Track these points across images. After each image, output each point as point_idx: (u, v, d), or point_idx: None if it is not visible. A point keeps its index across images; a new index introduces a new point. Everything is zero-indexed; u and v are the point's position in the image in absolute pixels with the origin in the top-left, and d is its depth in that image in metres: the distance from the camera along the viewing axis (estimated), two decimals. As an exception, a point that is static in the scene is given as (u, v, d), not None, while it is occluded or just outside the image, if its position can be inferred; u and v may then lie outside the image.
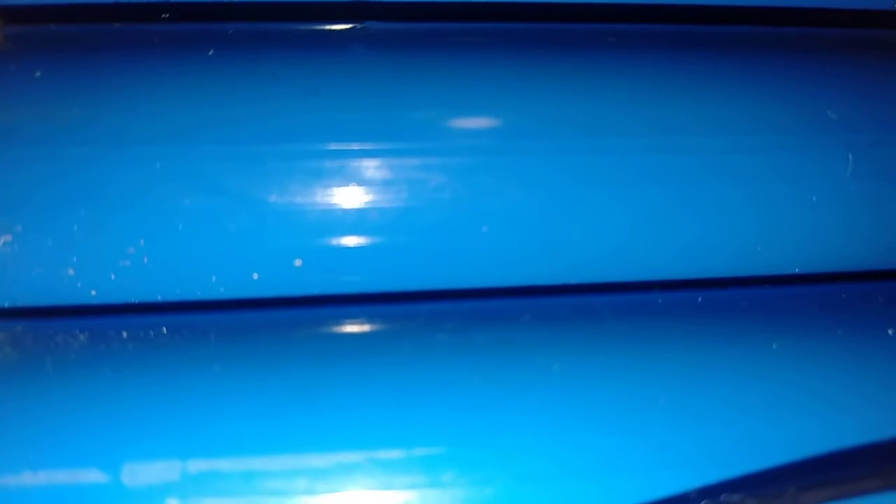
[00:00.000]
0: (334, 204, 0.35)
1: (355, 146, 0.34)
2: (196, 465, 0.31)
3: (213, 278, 0.35)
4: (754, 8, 0.41)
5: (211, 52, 0.35)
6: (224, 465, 0.31)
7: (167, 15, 0.38)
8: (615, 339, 0.35)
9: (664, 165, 0.36)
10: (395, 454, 0.31)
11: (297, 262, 0.35)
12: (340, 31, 0.37)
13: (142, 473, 0.30)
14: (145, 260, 0.34)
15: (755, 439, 0.33)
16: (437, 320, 0.35)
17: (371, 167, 0.34)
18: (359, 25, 0.37)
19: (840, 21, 0.41)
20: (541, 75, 0.36)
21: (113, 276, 0.34)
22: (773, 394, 0.33)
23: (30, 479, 0.30)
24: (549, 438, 0.32)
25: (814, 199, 0.37)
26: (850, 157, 0.37)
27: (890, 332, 0.35)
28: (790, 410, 0.33)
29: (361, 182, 0.34)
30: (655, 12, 0.40)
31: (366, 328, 0.35)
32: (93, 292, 0.35)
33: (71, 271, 0.34)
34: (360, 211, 0.35)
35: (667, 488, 0.31)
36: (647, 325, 0.35)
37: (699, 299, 0.37)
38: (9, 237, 0.33)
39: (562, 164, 0.35)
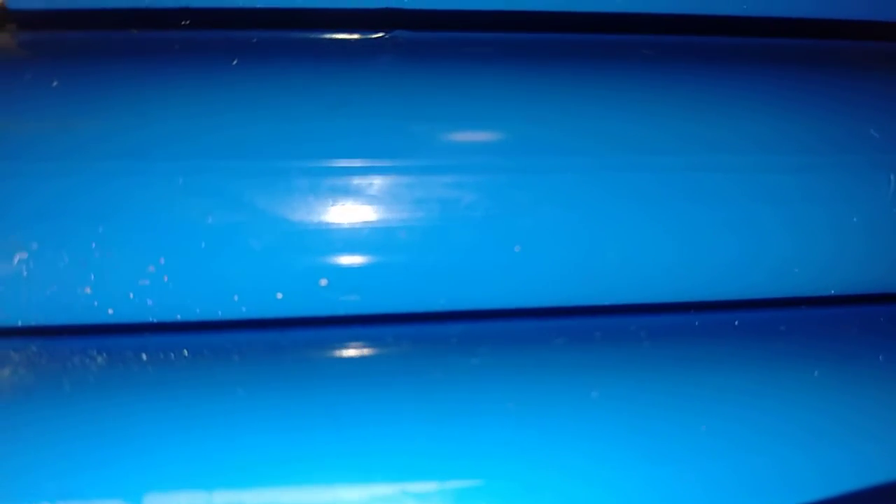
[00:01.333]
0: (362, 221, 0.33)
1: (385, 162, 0.33)
2: (219, 495, 0.30)
3: (236, 298, 0.34)
4: (797, 20, 0.40)
5: (235, 62, 0.34)
6: (249, 494, 0.30)
7: (188, 22, 0.37)
8: (652, 364, 0.34)
9: (702, 184, 0.35)
10: (426, 484, 0.30)
11: (323, 282, 0.34)
12: (368, 40, 0.36)
13: (162, 501, 0.29)
14: (165, 279, 0.33)
15: (798, 471, 0.32)
16: (469, 343, 0.34)
17: (401, 184, 0.33)
18: (387, 34, 0.36)
19: (886, 35, 0.40)
20: (578, 89, 0.34)
21: (131, 296, 0.33)
22: (815, 424, 0.32)
23: (46, 509, 0.29)
24: (586, 468, 0.31)
25: (854, 220, 0.36)
26: (892, 177, 0.36)
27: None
28: (831, 442, 0.32)
29: (390, 199, 0.33)
30: (694, 23, 0.39)
31: (395, 350, 0.34)
32: (110, 311, 0.33)
33: (88, 290, 0.33)
34: (388, 229, 0.33)
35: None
36: (685, 349, 0.34)
37: (736, 322, 0.36)
38: (24, 254, 0.32)
39: (597, 182, 0.34)
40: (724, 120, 0.35)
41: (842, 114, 0.36)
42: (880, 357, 0.34)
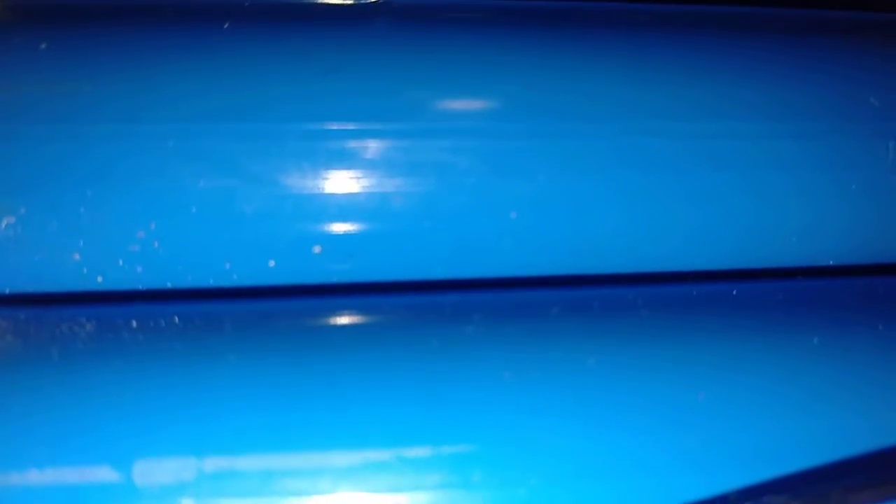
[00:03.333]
0: (356, 188, 0.33)
1: (379, 126, 0.33)
2: (210, 462, 0.29)
3: (228, 265, 0.33)
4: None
5: (226, 26, 0.33)
6: (240, 461, 0.29)
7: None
8: (650, 333, 0.33)
9: (699, 151, 0.35)
10: (419, 452, 0.30)
11: (317, 249, 0.33)
12: (363, 4, 0.35)
13: (153, 471, 0.29)
14: (156, 245, 0.32)
15: (798, 437, 0.31)
16: (464, 311, 0.33)
17: (396, 149, 0.33)
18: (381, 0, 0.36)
19: (885, 5, 0.40)
20: (576, 55, 0.34)
21: (121, 262, 0.33)
22: (815, 390, 0.32)
23: (34, 477, 0.28)
24: (582, 438, 0.30)
25: (853, 188, 0.36)
26: (891, 144, 0.36)
27: (934, 326, 0.34)
28: (833, 407, 0.32)
29: (385, 165, 0.33)
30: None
31: (389, 319, 0.33)
32: (99, 279, 0.33)
33: (77, 256, 0.32)
34: (383, 195, 0.33)
35: (707, 489, 0.30)
36: (683, 319, 0.34)
37: (734, 291, 0.36)
38: (11, 219, 0.32)
39: (595, 149, 0.34)
40: (725, 88, 0.35)
41: (841, 82, 0.36)
42: (879, 326, 0.34)
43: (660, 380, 0.32)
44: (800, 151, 0.35)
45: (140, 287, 0.33)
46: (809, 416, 0.32)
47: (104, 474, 0.28)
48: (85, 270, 0.33)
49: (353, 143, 0.32)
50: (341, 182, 0.33)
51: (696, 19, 0.37)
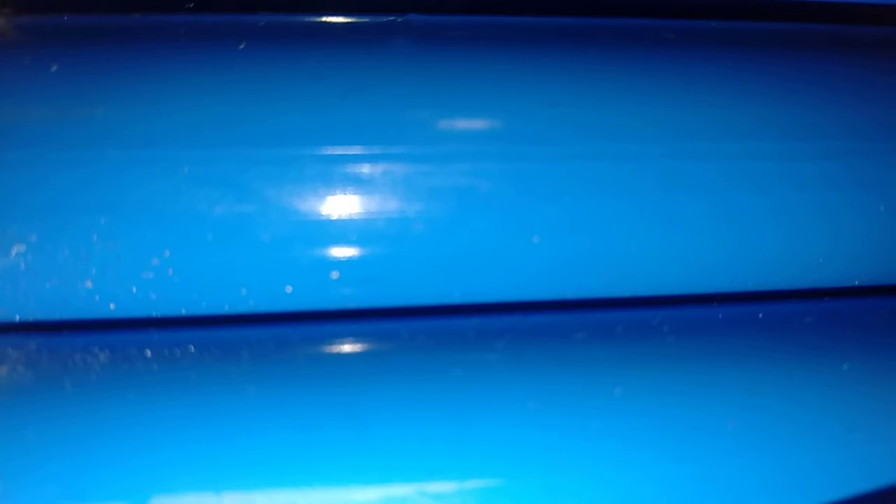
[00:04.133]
0: (375, 212, 0.32)
1: (399, 149, 0.32)
2: (228, 496, 0.28)
3: (244, 291, 0.33)
4: (818, 4, 0.39)
5: (242, 46, 0.33)
6: (257, 495, 0.28)
7: (192, 4, 0.36)
8: (676, 358, 0.32)
9: (727, 171, 0.34)
10: (442, 486, 0.29)
11: (335, 275, 0.33)
12: (380, 23, 0.35)
13: (169, 504, 0.28)
14: (170, 272, 0.32)
15: (826, 466, 0.31)
16: (487, 337, 0.32)
17: (416, 173, 0.32)
18: (399, 18, 0.35)
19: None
20: (600, 75, 0.33)
21: (135, 290, 0.32)
22: (846, 418, 0.31)
23: (49, 512, 0.27)
24: (610, 467, 0.30)
25: (881, 208, 0.35)
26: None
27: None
28: (862, 434, 0.31)
29: (405, 188, 0.32)
30: (719, 7, 0.38)
31: (410, 345, 0.32)
32: (112, 306, 0.32)
33: (89, 284, 0.32)
34: (402, 219, 0.32)
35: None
36: (709, 343, 0.33)
37: (760, 314, 0.35)
38: (22, 247, 0.31)
39: (620, 171, 0.33)
40: (749, 107, 0.34)
41: (866, 101, 0.35)
42: (910, 349, 0.33)
43: (686, 405, 0.31)
44: (825, 171, 0.34)
45: (154, 314, 0.32)
46: (837, 444, 0.31)
47: (119, 509, 0.28)
48: (97, 298, 0.32)
49: (371, 167, 0.32)
50: (360, 206, 0.32)
51: (718, 37, 0.36)
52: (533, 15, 0.36)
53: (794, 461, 0.30)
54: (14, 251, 0.31)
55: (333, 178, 0.32)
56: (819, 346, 0.33)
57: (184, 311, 0.33)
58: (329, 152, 0.32)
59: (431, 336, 0.33)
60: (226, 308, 0.33)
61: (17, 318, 0.32)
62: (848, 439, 0.31)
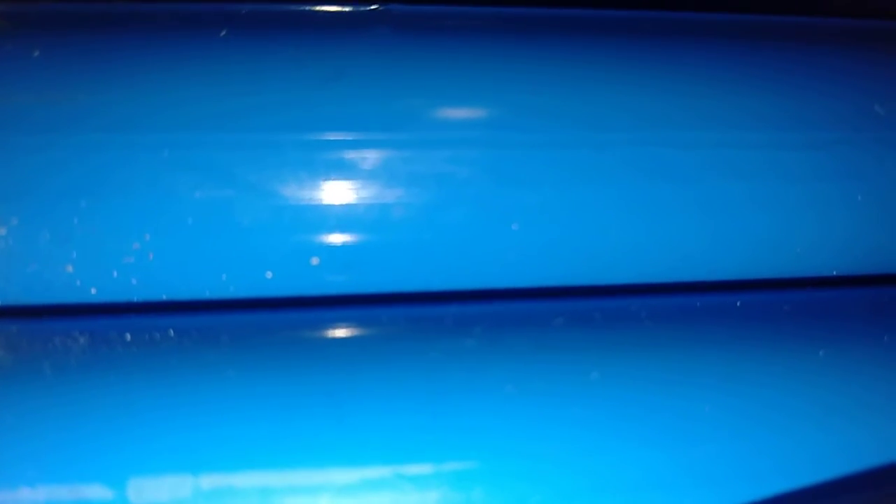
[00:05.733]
0: (355, 198, 0.32)
1: (379, 136, 0.32)
2: (207, 479, 0.28)
3: (224, 277, 0.33)
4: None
5: (223, 34, 0.33)
6: (237, 477, 0.29)
7: (175, -8, 0.36)
8: (653, 345, 0.33)
9: (708, 160, 0.34)
10: (420, 468, 0.29)
11: (315, 260, 0.33)
12: (361, 12, 0.35)
13: (148, 488, 0.28)
14: (151, 256, 0.32)
15: (803, 450, 0.31)
16: (466, 323, 0.32)
17: (395, 159, 0.32)
18: (381, 7, 0.35)
19: (890, 13, 0.39)
20: (577, 64, 0.33)
21: (115, 274, 0.32)
22: (820, 401, 0.32)
23: (26, 495, 0.27)
24: (587, 451, 0.30)
25: (859, 198, 0.35)
26: (899, 154, 0.35)
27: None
28: (839, 419, 0.31)
29: (385, 175, 0.32)
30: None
31: (389, 331, 0.33)
32: (93, 291, 0.32)
33: (70, 268, 0.32)
34: (383, 206, 0.32)
35: (714, 502, 0.29)
36: (687, 330, 0.33)
37: (738, 302, 0.35)
38: (3, 230, 0.31)
39: (599, 158, 0.33)
40: (729, 97, 0.35)
41: (847, 91, 0.36)
42: (885, 337, 0.34)
43: (664, 392, 0.31)
44: (805, 161, 0.35)
45: (135, 299, 0.33)
46: (814, 428, 0.31)
47: (98, 492, 0.28)
48: (78, 282, 0.32)
49: (352, 153, 0.32)
50: (340, 192, 0.32)
51: (700, 27, 0.37)
52: (514, 5, 0.36)
53: (772, 445, 0.30)
54: (-6, 235, 0.31)
55: (314, 164, 0.32)
56: (796, 334, 0.34)
57: (164, 296, 0.33)
58: (310, 138, 0.32)
59: (411, 321, 0.33)
60: (206, 293, 0.33)
61: (-1, 302, 0.32)
62: (826, 423, 0.31)
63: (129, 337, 0.31)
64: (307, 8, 0.35)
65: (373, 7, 0.35)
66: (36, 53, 0.32)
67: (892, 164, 0.35)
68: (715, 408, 0.31)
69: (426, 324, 0.33)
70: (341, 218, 0.32)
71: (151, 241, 0.32)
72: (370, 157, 0.32)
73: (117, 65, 0.32)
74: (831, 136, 0.35)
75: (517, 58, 0.33)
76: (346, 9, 0.35)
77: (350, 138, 0.32)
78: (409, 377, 0.31)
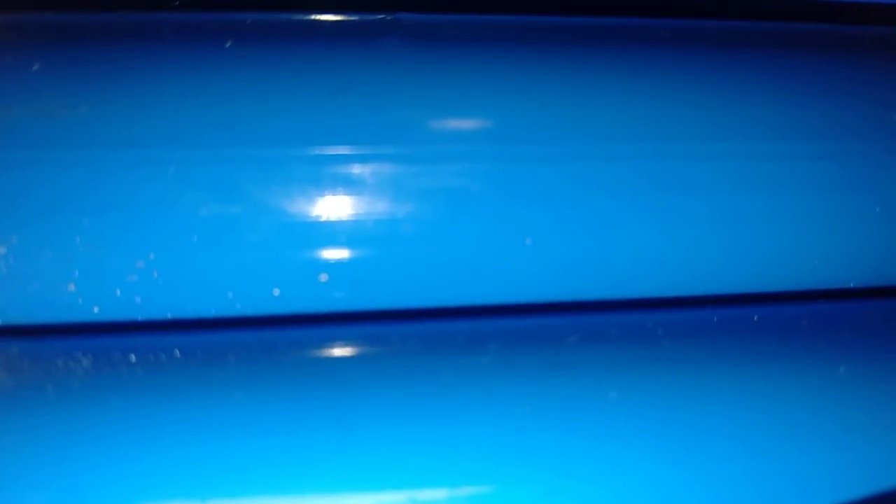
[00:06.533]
0: (364, 213, 0.32)
1: (388, 150, 0.31)
2: (215, 503, 0.28)
3: (230, 294, 0.32)
4: (814, 3, 0.39)
5: (228, 45, 0.32)
6: (246, 501, 0.28)
7: (178, 2, 0.35)
8: (671, 362, 0.32)
9: (721, 171, 0.34)
10: (433, 492, 0.29)
11: (323, 277, 0.32)
12: (369, 22, 0.34)
13: (155, 514, 0.27)
14: (155, 274, 0.31)
15: (823, 469, 0.30)
16: (479, 341, 0.32)
17: (406, 173, 0.31)
18: (389, 16, 0.34)
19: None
20: (594, 75, 0.33)
21: (119, 293, 0.31)
22: (842, 421, 0.31)
23: (30, 522, 0.27)
24: (604, 472, 0.29)
25: (877, 209, 0.35)
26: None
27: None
28: (859, 438, 0.31)
29: (395, 189, 0.31)
30: (717, 7, 0.38)
31: (400, 349, 0.32)
32: (96, 309, 0.31)
33: (72, 287, 0.31)
34: (392, 221, 0.32)
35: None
36: (704, 346, 0.33)
37: (755, 317, 0.34)
38: (3, 248, 0.30)
39: (613, 171, 0.32)
40: (744, 107, 0.34)
41: (865, 101, 0.35)
42: (908, 352, 0.33)
43: (682, 408, 0.31)
44: (823, 172, 0.34)
45: (139, 318, 0.32)
46: (835, 447, 0.31)
47: (103, 521, 0.27)
48: (81, 301, 0.31)
49: (360, 168, 0.31)
50: (348, 208, 0.31)
51: (712, 36, 0.36)
52: (525, 14, 0.36)
53: (792, 463, 0.30)
54: (-5, 253, 0.30)
55: (322, 178, 0.31)
56: (815, 349, 0.33)
57: (169, 315, 0.32)
58: (317, 152, 0.31)
59: (422, 339, 0.32)
60: (212, 311, 0.32)
61: (-1, 322, 0.32)
62: (846, 441, 0.31)
63: (133, 357, 0.31)
64: (314, 18, 0.34)
65: (380, 16, 0.34)
66: (36, 66, 0.31)
67: (912, 174, 0.35)
68: (735, 425, 0.30)
69: (438, 341, 0.32)
70: (350, 233, 0.32)
71: (156, 260, 0.31)
72: (379, 172, 0.31)
73: (120, 79, 0.31)
74: (848, 147, 0.34)
75: (530, 68, 0.33)
76: (354, 18, 0.34)
77: (358, 152, 0.31)
78: (422, 395, 0.30)
